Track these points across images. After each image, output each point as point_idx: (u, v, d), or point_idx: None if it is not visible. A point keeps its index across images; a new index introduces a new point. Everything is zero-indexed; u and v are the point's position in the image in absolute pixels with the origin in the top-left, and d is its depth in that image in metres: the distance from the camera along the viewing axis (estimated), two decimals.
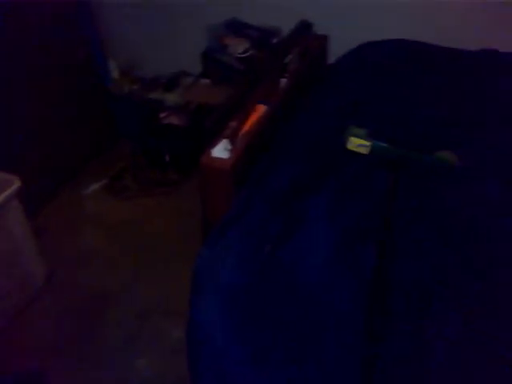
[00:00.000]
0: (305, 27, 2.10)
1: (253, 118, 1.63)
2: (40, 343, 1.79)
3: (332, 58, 2.16)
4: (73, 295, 1.97)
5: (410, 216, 1.35)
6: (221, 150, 1.47)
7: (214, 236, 1.39)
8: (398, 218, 1.34)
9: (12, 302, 1.85)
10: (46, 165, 2.30)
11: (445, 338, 1.09)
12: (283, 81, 1.82)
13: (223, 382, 1.25)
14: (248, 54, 2.17)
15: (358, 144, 1.53)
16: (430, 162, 1.48)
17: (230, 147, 1.49)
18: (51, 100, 2.29)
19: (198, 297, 1.31)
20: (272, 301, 1.26)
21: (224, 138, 1.51)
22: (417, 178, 1.46)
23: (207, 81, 2.38)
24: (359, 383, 1.08)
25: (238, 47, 2.18)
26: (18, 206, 1.75)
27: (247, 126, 1.59)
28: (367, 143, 1.51)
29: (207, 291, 1.31)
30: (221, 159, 1.46)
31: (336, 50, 2.13)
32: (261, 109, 1.67)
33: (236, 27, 2.24)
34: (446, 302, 1.14)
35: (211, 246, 1.37)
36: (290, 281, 1.26)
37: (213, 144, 1.50)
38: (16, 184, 1.69)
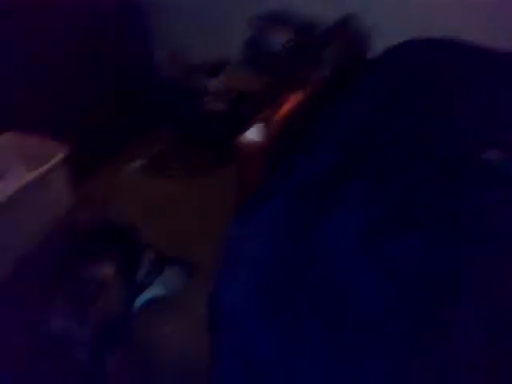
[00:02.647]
0: (348, 20, 2.13)
1: (288, 106, 1.69)
2: None
3: (373, 53, 2.18)
4: None
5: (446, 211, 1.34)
6: (254, 134, 1.53)
7: (244, 214, 1.44)
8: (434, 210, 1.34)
9: None
10: (91, 140, 2.42)
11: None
12: (322, 71, 1.86)
13: (246, 360, 1.29)
14: (290, 44, 2.22)
15: None
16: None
17: (263, 131, 1.55)
18: (104, 80, 2.44)
19: (223, 272, 1.35)
20: (298, 285, 1.26)
21: (258, 122, 1.57)
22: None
23: (249, 69, 2.44)
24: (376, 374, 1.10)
25: (281, 37, 2.23)
26: (65, 173, 1.87)
27: (282, 113, 1.65)
28: None
29: (234, 267, 1.34)
30: (254, 142, 1.52)
31: (379, 45, 2.15)
32: (297, 97, 1.72)
33: (280, 18, 2.29)
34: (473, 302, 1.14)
35: (241, 224, 1.42)
36: (317, 265, 1.27)
37: (247, 127, 1.57)
38: (64, 152, 1.81)
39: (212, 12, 2.65)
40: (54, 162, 1.80)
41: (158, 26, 2.80)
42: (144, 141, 2.74)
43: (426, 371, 1.05)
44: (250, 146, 1.52)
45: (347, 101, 1.85)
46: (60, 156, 1.81)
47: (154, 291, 1.32)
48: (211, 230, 2.11)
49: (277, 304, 1.24)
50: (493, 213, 1.33)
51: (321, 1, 2.25)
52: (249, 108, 1.66)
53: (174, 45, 2.82)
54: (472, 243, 1.24)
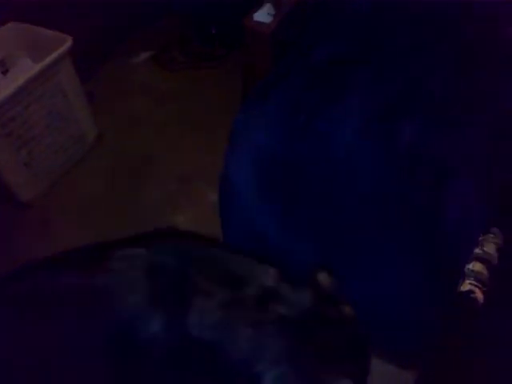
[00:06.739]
0: None
1: None
2: (84, 201, 1.95)
3: None
4: (119, 156, 2.10)
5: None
6: (263, 15, 1.47)
7: (251, 100, 1.44)
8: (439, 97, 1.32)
9: (64, 157, 2.02)
10: (96, 30, 2.33)
11: None
12: None
13: (250, 231, 1.38)
14: None
15: None
16: None
17: (273, 12, 1.48)
18: None
19: (231, 154, 1.40)
20: (299, 167, 1.32)
21: (267, 2, 1.49)
22: None
23: None
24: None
25: None
26: (70, 64, 1.84)
27: None
28: None
29: (241, 150, 1.38)
30: (262, 23, 1.46)
31: None
32: None
33: None
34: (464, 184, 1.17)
35: (248, 110, 1.42)
36: (319, 150, 1.30)
37: (257, 9, 1.50)
38: (68, 42, 1.77)
39: None
40: (60, 52, 1.75)
41: None
42: (150, 32, 2.64)
43: None
44: (258, 28, 1.46)
45: None
46: (66, 46, 1.76)
47: None
48: (220, 120, 2.13)
49: (277, 181, 1.31)
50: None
51: None
52: None
53: None
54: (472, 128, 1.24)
